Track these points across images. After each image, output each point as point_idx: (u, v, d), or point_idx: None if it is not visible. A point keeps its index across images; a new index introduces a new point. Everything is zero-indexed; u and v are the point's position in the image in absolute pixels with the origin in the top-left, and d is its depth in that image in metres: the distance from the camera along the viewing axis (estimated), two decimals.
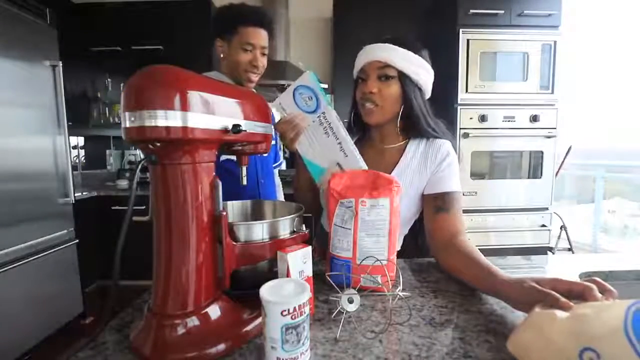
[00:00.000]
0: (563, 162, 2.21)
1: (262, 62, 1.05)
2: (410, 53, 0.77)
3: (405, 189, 0.79)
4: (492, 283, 0.57)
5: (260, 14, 1.04)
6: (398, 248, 0.90)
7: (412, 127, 0.83)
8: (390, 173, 0.81)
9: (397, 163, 0.83)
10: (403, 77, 0.78)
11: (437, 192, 0.80)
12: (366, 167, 0.77)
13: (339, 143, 0.76)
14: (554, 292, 0.45)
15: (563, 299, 0.43)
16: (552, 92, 2.02)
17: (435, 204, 0.79)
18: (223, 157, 1.04)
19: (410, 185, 0.82)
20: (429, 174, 0.81)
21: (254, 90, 1.10)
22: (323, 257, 0.83)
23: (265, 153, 0.65)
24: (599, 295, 0.43)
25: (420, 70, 0.79)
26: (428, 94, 0.84)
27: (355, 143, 0.88)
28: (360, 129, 0.91)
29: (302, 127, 0.76)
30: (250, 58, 1.02)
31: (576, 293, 0.45)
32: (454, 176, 0.81)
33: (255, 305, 0.46)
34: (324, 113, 0.75)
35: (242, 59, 1.01)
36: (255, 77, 1.06)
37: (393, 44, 0.77)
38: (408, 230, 0.89)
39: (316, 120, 0.76)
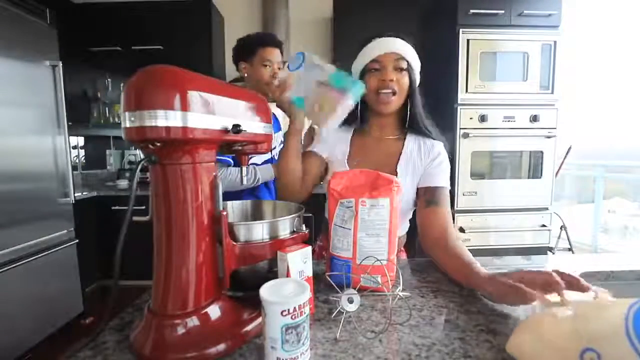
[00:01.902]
0: (563, 162, 2.21)
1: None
2: (413, 49, 0.85)
3: (406, 179, 0.85)
4: (473, 279, 0.61)
5: (274, 37, 1.28)
6: (402, 233, 0.94)
7: (410, 121, 0.88)
8: (396, 162, 0.87)
9: (400, 153, 0.88)
10: (411, 71, 0.84)
11: (427, 185, 0.85)
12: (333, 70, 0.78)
13: (317, 65, 0.81)
14: (521, 286, 0.48)
15: (529, 291, 0.47)
16: (552, 92, 2.02)
17: (426, 198, 0.84)
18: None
19: (413, 175, 0.87)
20: (422, 170, 0.87)
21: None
22: None
23: (266, 153, 0.65)
24: (563, 285, 0.47)
25: (417, 61, 0.86)
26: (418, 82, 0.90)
27: (354, 133, 0.93)
28: (360, 119, 0.91)
29: (290, 82, 0.82)
30: (270, 73, 1.25)
31: (540, 283, 0.49)
32: (444, 174, 0.87)
33: (255, 305, 0.46)
34: (304, 54, 0.82)
35: (264, 74, 1.24)
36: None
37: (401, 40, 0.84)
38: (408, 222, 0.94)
39: (301, 67, 0.82)
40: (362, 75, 0.87)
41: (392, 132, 0.91)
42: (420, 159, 0.88)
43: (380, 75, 0.83)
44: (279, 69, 1.26)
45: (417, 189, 0.88)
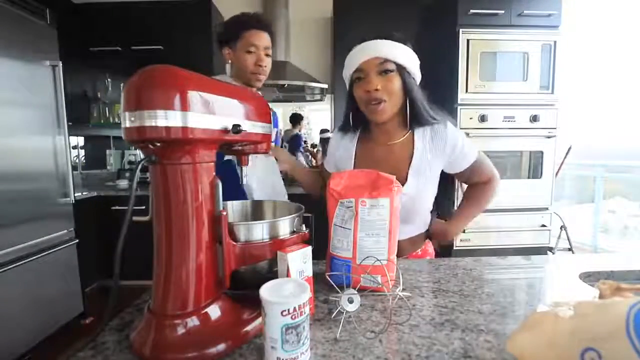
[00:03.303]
0: (563, 162, 2.21)
1: (267, 61, 1.11)
2: (400, 44, 0.79)
3: (425, 180, 0.85)
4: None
5: (259, 18, 1.11)
6: (426, 228, 0.94)
7: (413, 117, 0.84)
8: (407, 170, 0.84)
9: (411, 159, 0.84)
10: (401, 70, 0.79)
11: (462, 169, 0.87)
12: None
13: None
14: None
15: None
16: (552, 92, 2.02)
17: (466, 177, 0.90)
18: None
19: (430, 175, 0.85)
20: (444, 160, 0.86)
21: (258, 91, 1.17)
22: None
23: (266, 153, 0.65)
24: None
25: (411, 58, 0.81)
26: (419, 78, 0.85)
27: (358, 143, 0.92)
28: (358, 126, 0.91)
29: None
30: (255, 59, 1.09)
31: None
32: (469, 148, 0.86)
33: (255, 305, 0.46)
34: None
35: (248, 61, 1.08)
36: (262, 77, 1.12)
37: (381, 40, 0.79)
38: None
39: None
40: (351, 86, 0.84)
41: (398, 134, 0.87)
42: (437, 153, 0.84)
43: (365, 85, 0.79)
44: (267, 55, 1.11)
45: (452, 174, 0.89)
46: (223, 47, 1.13)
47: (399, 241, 0.83)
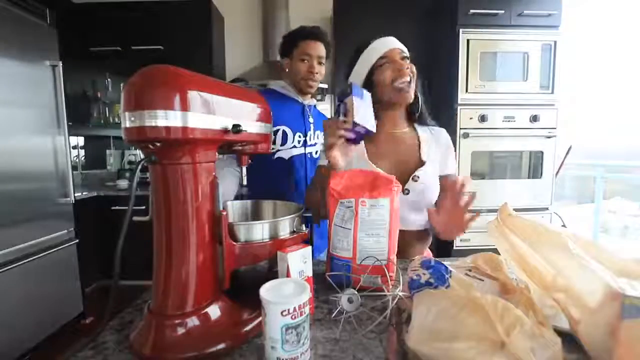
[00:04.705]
0: (563, 162, 2.21)
1: (319, 69, 1.19)
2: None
3: (435, 166, 0.90)
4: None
5: (314, 29, 1.20)
6: (423, 226, 0.93)
7: (418, 115, 0.92)
8: (419, 158, 0.89)
9: (419, 144, 0.91)
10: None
11: (444, 174, 0.92)
12: None
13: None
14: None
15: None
16: (552, 92, 2.02)
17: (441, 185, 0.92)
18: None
19: (434, 162, 0.90)
20: (439, 157, 0.92)
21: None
22: None
23: (266, 153, 0.65)
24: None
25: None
26: None
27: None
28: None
29: (337, 140, 0.71)
30: (308, 67, 1.17)
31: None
32: (453, 160, 0.95)
33: (255, 305, 0.46)
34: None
35: (301, 68, 1.17)
36: (312, 83, 1.20)
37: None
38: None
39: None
40: (370, 74, 0.87)
41: (402, 126, 0.92)
42: (437, 151, 0.92)
43: (392, 65, 0.84)
44: (320, 64, 1.19)
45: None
46: (283, 58, 1.23)
47: (407, 231, 0.85)
